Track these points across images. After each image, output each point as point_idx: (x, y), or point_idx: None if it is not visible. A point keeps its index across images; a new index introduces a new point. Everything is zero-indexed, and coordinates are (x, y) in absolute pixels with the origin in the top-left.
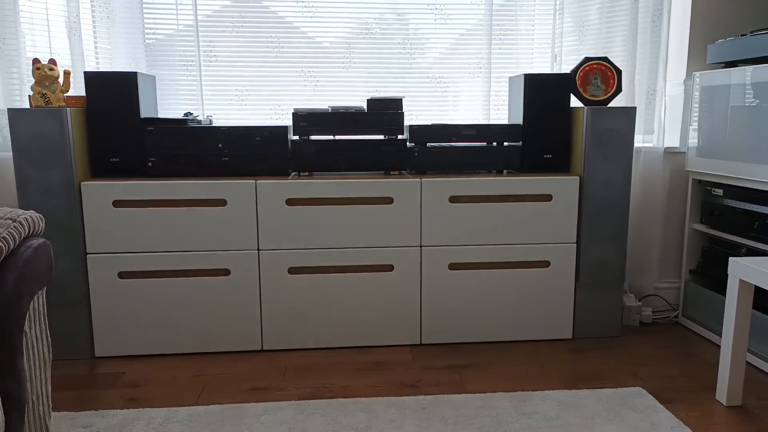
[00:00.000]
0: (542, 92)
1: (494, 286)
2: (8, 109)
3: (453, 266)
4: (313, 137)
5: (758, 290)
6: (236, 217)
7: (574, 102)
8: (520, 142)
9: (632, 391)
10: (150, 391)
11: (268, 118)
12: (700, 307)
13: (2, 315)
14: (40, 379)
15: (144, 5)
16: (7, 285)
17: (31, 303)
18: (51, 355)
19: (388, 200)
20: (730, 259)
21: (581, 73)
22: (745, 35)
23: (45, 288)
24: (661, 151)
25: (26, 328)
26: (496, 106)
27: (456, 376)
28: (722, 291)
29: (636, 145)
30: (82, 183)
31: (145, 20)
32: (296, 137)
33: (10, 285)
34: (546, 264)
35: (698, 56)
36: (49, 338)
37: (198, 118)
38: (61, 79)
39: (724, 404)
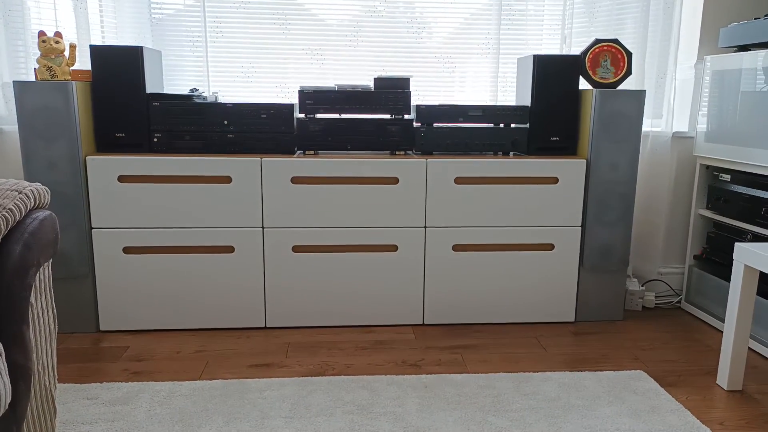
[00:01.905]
0: (551, 74)
1: (498, 267)
2: (14, 81)
3: (457, 247)
4: (319, 115)
5: (762, 276)
6: (241, 195)
7: (583, 84)
8: (528, 124)
9: (633, 374)
10: (154, 365)
11: (274, 95)
12: (704, 293)
13: (9, 286)
14: (46, 350)
15: None
16: (13, 256)
17: (37, 274)
18: (56, 326)
19: (394, 180)
20: (736, 244)
21: (591, 55)
22: (759, 18)
23: (50, 260)
24: (669, 136)
25: (32, 299)
26: (504, 88)
27: (458, 356)
28: (726, 277)
29: (644, 129)
30: (87, 157)
31: None
32: (302, 115)
33: (16, 256)
34: (550, 247)
35: (710, 40)
36: (55, 310)
37: (204, 94)
38: (66, 53)
39: (725, 389)
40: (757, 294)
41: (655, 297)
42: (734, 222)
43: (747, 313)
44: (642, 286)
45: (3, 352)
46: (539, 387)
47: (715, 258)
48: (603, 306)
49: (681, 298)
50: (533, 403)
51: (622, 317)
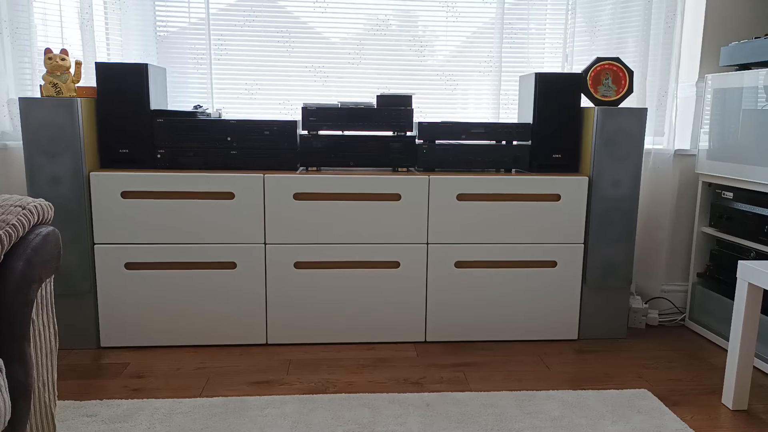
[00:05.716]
0: (553, 92)
1: (500, 285)
2: (20, 98)
3: (459, 264)
4: (321, 132)
5: (766, 295)
6: (244, 211)
7: (585, 102)
8: (530, 141)
9: (637, 393)
10: (154, 382)
11: (277, 112)
12: (707, 311)
13: (10, 302)
14: (47, 366)
15: None
16: (15, 272)
17: (39, 290)
18: (57, 343)
19: (396, 197)
20: (740, 262)
21: (592, 73)
22: (759, 38)
23: (53, 276)
24: (672, 153)
25: (34, 315)
26: (506, 106)
27: (460, 374)
28: (730, 295)
29: (646, 146)
30: (91, 173)
31: (157, 14)
32: (305, 132)
33: (19, 272)
34: (553, 264)
35: (711, 58)
36: (56, 326)
37: (207, 111)
38: (72, 70)
39: (730, 408)
40: (762, 312)
41: (659, 315)
42: (737, 240)
43: (751, 332)
44: (645, 303)
45: (3, 368)
46: (542, 406)
47: (719, 276)
48: (606, 324)
49: (685, 316)
50: (536, 422)
51: (626, 335)
